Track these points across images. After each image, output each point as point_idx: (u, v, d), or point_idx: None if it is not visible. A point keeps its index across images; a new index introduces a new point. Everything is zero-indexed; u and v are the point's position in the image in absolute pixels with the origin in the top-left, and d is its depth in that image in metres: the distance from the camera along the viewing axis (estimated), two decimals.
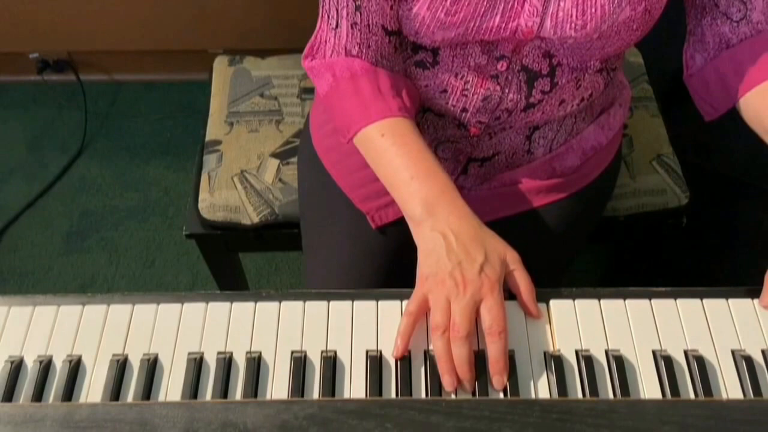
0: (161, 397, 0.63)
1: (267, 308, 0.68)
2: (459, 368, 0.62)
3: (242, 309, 0.68)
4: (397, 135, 0.74)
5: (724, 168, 1.62)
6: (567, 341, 0.66)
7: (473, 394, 0.63)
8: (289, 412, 0.55)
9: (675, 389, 0.62)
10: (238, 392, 0.63)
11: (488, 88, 0.80)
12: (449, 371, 0.62)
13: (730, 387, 0.63)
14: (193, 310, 0.68)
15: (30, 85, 1.91)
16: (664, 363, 0.64)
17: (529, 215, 0.91)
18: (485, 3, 0.70)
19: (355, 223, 0.90)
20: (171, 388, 0.64)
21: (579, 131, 0.90)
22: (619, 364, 0.64)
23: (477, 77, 0.79)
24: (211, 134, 1.17)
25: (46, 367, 0.64)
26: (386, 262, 0.89)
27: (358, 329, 0.67)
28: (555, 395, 0.62)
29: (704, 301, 0.68)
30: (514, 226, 0.88)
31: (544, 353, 0.65)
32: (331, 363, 0.64)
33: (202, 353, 0.65)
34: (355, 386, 0.63)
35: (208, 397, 0.63)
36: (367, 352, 0.65)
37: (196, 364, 0.64)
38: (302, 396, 0.63)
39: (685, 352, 0.65)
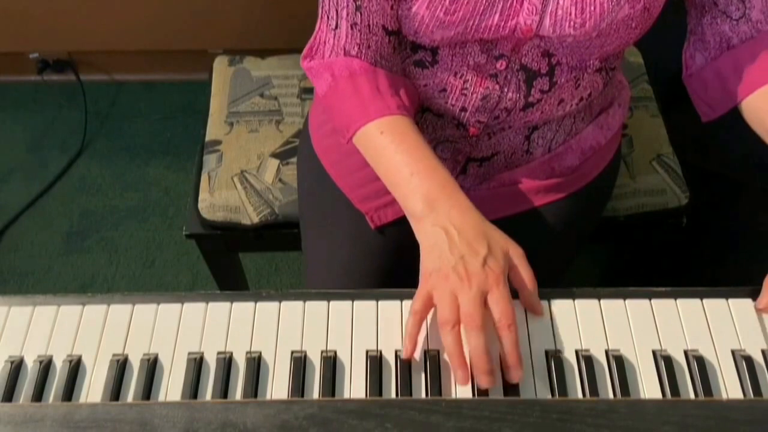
0: (161, 397, 0.63)
1: (267, 308, 0.68)
2: (477, 359, 0.61)
3: (242, 309, 0.68)
4: (396, 132, 0.74)
5: (724, 168, 1.61)
6: (567, 341, 0.66)
7: (475, 393, 0.62)
8: (289, 412, 0.55)
9: (675, 389, 0.62)
10: (238, 392, 0.63)
11: (487, 87, 0.80)
12: (462, 366, 0.61)
13: (730, 387, 0.63)
14: (193, 310, 0.68)
15: (30, 85, 1.91)
16: (664, 363, 0.64)
17: (528, 215, 0.91)
18: (484, 1, 0.70)
19: (355, 223, 0.90)
20: (171, 388, 0.64)
21: (578, 131, 0.90)
22: (619, 364, 0.64)
23: (476, 76, 0.79)
24: (211, 134, 1.17)
25: (46, 367, 0.64)
26: (386, 262, 0.89)
27: (358, 329, 0.67)
28: (555, 395, 0.62)
29: (704, 301, 0.68)
30: (513, 226, 0.88)
31: (546, 352, 0.65)
32: (331, 363, 0.64)
33: (202, 353, 0.65)
34: (355, 386, 0.63)
35: (208, 397, 0.63)
36: (367, 352, 0.65)
37: (196, 364, 0.64)
38: (302, 396, 0.63)
39: (685, 352, 0.65)
